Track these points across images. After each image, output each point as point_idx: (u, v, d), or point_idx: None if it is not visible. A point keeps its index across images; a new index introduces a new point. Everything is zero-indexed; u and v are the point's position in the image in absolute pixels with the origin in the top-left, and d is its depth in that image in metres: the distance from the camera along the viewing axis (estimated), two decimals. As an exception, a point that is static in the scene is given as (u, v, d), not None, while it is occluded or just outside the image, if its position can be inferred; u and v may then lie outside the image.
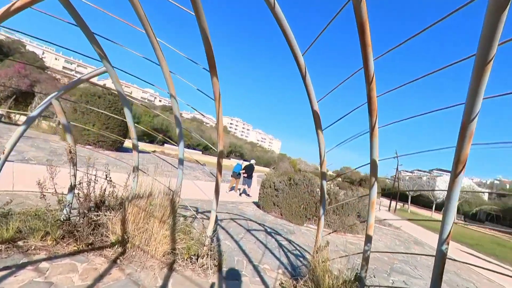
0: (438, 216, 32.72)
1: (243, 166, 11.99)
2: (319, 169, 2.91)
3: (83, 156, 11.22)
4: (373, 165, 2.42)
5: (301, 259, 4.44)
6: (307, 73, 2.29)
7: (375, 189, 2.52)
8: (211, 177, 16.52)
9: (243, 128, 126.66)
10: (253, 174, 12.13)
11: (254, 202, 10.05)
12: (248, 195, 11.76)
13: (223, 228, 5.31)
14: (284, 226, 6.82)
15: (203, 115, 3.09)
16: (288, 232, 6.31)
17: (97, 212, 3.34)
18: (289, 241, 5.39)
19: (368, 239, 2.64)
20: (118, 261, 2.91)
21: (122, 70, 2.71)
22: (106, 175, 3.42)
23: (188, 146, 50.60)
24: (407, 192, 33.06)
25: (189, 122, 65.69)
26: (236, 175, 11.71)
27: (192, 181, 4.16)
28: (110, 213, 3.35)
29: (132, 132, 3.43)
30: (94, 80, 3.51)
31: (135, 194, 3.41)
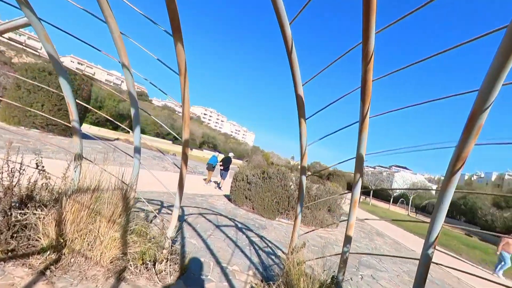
0: (394, 208, 35.82)
1: (220, 159, 11.71)
2: (300, 162, 2.61)
3: (27, 141, 9.62)
4: (359, 160, 2.17)
5: (273, 257, 4.20)
6: (294, 48, 1.92)
7: (359, 186, 2.29)
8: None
9: (217, 119, 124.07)
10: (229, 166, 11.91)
11: (225, 196, 9.66)
12: (220, 188, 11.36)
13: (190, 224, 4.84)
14: (255, 221, 6.56)
15: (164, 93, 2.56)
16: (260, 227, 6.06)
17: (23, 210, 2.64)
18: (261, 237, 5.13)
19: (348, 240, 2.43)
20: (49, 271, 2.31)
21: (51, 24, 2.04)
22: (37, 163, 2.72)
23: (157, 135, 47.89)
24: (370, 186, 35.53)
25: (160, 110, 61.95)
26: (211, 167, 11.30)
27: (149, 170, 3.53)
28: (41, 211, 2.67)
29: (72, 112, 2.74)
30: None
31: (76, 188, 2.77)
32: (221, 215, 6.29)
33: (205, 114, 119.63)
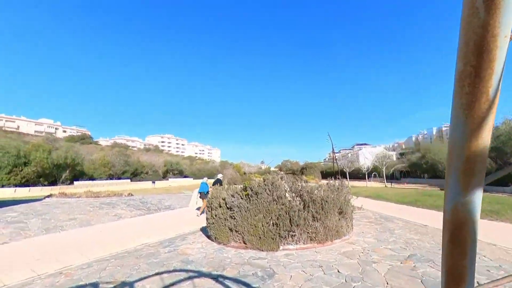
0: (370, 184, 36.39)
1: (210, 183, 10.94)
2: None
3: None
4: None
5: None
6: None
7: None
8: (141, 209, 12.51)
9: (177, 144, 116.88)
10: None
11: (202, 230, 7.22)
12: None
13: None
14: (254, 264, 4.39)
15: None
16: (264, 274, 3.92)
17: None
18: (276, 303, 3.00)
19: None
20: None
21: None
22: None
23: (111, 177, 41.56)
24: (345, 169, 35.79)
25: (109, 149, 54.35)
26: (204, 195, 10.09)
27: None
28: None
29: None
30: None
31: None
32: (200, 275, 3.96)
33: (162, 142, 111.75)
